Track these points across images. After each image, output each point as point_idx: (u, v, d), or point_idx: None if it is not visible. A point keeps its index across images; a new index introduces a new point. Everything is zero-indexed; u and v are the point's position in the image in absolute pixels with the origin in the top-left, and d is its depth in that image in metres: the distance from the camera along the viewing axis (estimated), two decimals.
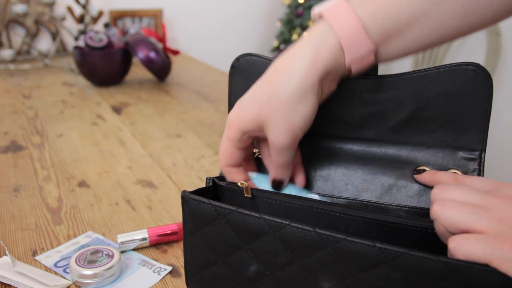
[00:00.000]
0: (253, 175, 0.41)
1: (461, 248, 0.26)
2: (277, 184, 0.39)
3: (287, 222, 0.30)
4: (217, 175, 0.43)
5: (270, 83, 0.34)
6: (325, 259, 0.29)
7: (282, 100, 0.33)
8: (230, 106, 0.42)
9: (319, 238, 0.29)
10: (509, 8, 0.33)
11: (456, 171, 0.36)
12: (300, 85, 0.33)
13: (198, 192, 0.37)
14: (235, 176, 0.39)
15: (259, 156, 0.42)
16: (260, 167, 0.42)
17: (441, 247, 0.29)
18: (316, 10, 0.35)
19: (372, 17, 0.33)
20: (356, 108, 0.38)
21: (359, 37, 0.33)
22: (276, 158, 0.36)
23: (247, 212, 0.32)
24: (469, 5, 0.32)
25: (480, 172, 0.35)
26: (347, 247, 0.28)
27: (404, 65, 2.20)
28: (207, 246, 0.35)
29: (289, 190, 0.39)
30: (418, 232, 0.33)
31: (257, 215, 0.32)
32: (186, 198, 0.35)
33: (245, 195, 0.38)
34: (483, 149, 0.35)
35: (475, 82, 0.33)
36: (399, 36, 0.33)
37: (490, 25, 0.34)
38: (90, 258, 0.42)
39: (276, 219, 0.31)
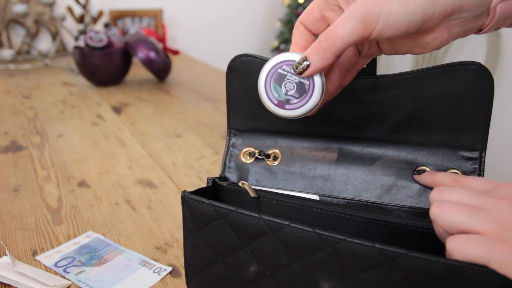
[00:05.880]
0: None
1: (459, 248, 0.25)
2: (301, 67, 0.31)
3: (287, 223, 0.30)
4: (217, 175, 0.43)
5: None
6: (325, 259, 0.29)
7: None
8: (229, 106, 0.42)
9: (319, 239, 0.29)
10: None
11: (456, 171, 0.36)
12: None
13: (198, 192, 0.37)
14: (296, 33, 0.33)
15: (258, 156, 0.42)
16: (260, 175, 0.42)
17: (442, 247, 0.29)
18: None
19: None
20: (356, 108, 0.38)
21: None
22: (333, 34, 0.29)
23: (246, 212, 0.32)
24: None
25: (480, 171, 0.35)
26: (347, 247, 0.28)
27: (404, 65, 2.19)
28: (207, 246, 0.35)
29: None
30: (418, 232, 0.33)
31: (256, 215, 0.32)
32: (186, 198, 0.35)
33: (251, 195, 0.38)
34: (483, 149, 0.35)
35: (476, 82, 0.33)
36: None
37: None
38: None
39: (275, 220, 0.31)
